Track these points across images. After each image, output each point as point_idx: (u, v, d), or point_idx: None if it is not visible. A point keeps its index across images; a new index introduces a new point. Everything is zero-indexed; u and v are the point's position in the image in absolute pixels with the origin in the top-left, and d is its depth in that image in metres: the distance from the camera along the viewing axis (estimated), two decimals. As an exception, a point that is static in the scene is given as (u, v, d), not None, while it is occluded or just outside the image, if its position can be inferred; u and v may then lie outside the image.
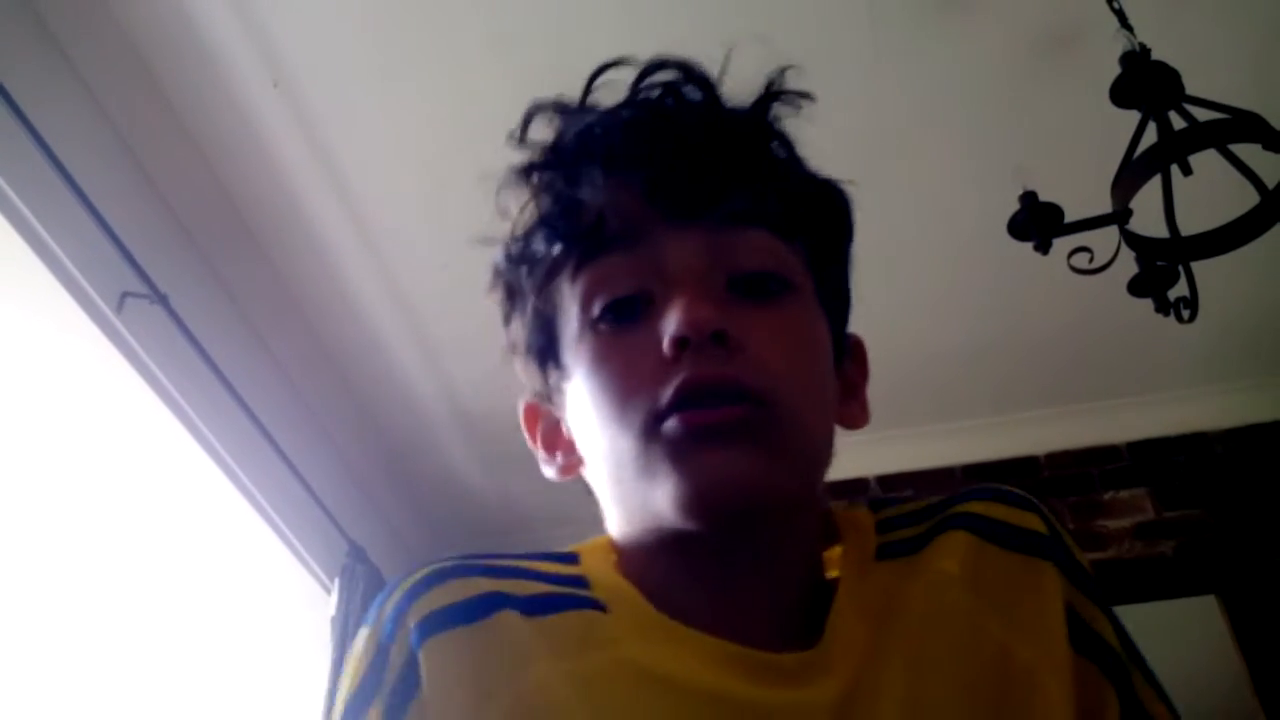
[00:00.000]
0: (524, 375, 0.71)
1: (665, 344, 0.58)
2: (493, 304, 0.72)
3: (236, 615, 3.05)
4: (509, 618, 0.58)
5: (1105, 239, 1.83)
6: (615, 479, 0.62)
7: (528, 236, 0.67)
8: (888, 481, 3.30)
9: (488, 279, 0.72)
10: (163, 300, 2.19)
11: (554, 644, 0.58)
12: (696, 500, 0.57)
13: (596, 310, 0.63)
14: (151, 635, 3.03)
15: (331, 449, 3.07)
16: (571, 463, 0.69)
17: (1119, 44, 1.82)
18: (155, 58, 2.19)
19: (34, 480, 2.54)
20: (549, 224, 0.65)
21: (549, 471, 0.71)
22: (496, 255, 0.70)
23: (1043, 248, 1.84)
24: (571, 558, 0.66)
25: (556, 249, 0.65)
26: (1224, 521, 3.06)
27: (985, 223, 1.99)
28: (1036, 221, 1.83)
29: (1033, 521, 0.64)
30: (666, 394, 0.58)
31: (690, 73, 0.67)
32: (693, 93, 0.66)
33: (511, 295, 0.70)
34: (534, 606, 0.59)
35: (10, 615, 2.86)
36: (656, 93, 0.66)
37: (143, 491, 2.62)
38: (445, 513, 3.49)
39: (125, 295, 2.15)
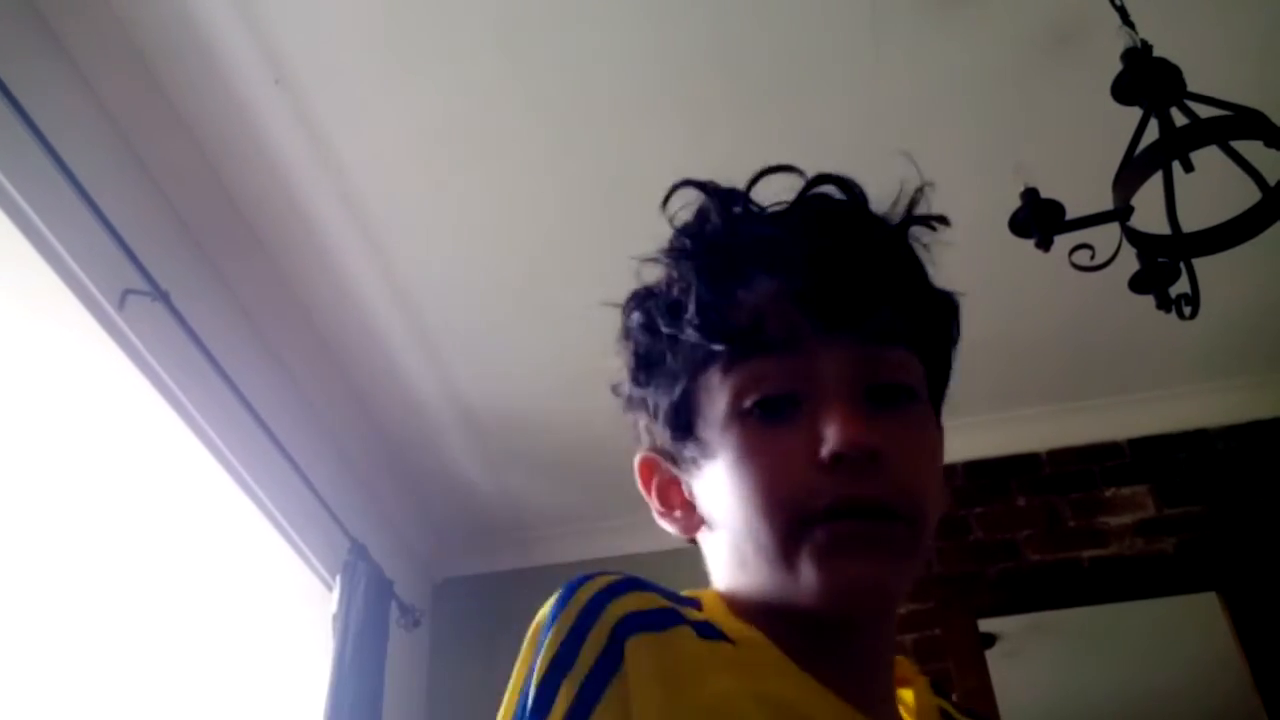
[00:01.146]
0: (648, 433, 0.76)
1: (824, 453, 0.64)
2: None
3: (239, 612, 3.06)
4: (686, 633, 0.64)
5: (1107, 236, 1.83)
6: (753, 559, 0.68)
7: (680, 318, 0.71)
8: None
9: (619, 331, 0.76)
10: (164, 298, 2.19)
11: (725, 663, 0.64)
12: (836, 597, 0.64)
13: (749, 404, 0.67)
14: (154, 632, 3.03)
15: (333, 446, 3.08)
16: (693, 523, 0.74)
17: (1120, 41, 1.81)
18: (157, 55, 2.19)
19: (36, 477, 2.54)
20: (706, 316, 0.69)
21: (668, 525, 0.77)
22: (634, 318, 0.75)
23: (1044, 244, 1.84)
24: (696, 604, 0.70)
25: (718, 344, 0.69)
26: (1225, 518, 3.06)
27: (987, 219, 1.99)
28: (1038, 218, 1.83)
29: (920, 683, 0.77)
30: (820, 503, 0.64)
31: (849, 187, 0.72)
32: (852, 207, 0.72)
33: (650, 363, 0.74)
34: (699, 630, 0.65)
35: (12, 611, 2.86)
36: (817, 205, 0.71)
37: (145, 489, 2.63)
38: (447, 510, 3.49)
39: (127, 293, 2.15)
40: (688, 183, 0.73)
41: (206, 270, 2.55)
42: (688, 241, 0.72)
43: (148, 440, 2.47)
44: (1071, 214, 1.84)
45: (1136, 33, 1.81)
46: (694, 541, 0.76)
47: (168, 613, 3.00)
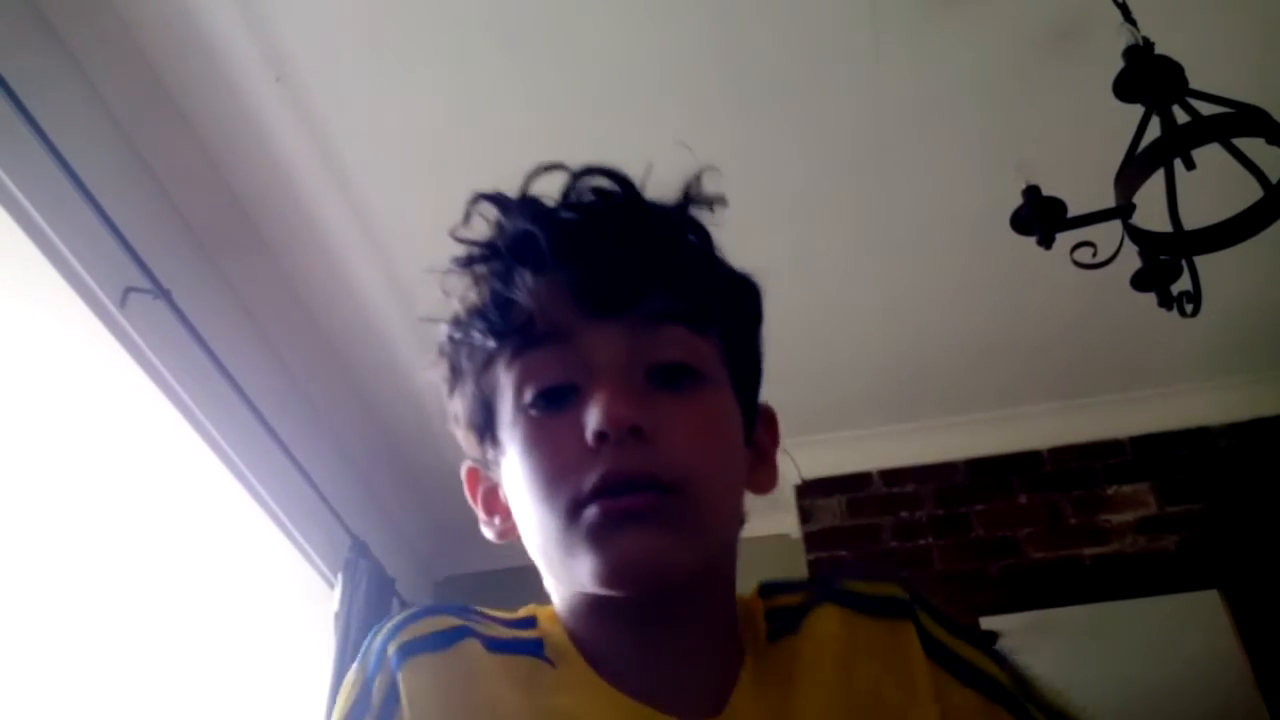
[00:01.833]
0: (464, 445, 0.78)
1: (588, 436, 0.65)
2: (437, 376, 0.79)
3: (240, 610, 3.06)
4: (473, 646, 0.68)
5: (1108, 233, 1.83)
6: (544, 551, 0.69)
7: (468, 324, 0.74)
8: (891, 475, 3.30)
9: (433, 354, 0.78)
10: (166, 295, 2.19)
11: (507, 675, 0.67)
12: (612, 575, 0.64)
13: (528, 397, 0.69)
14: (156, 630, 3.04)
15: (334, 444, 3.08)
16: (509, 527, 0.76)
17: (1122, 38, 1.81)
18: (158, 53, 2.19)
19: (38, 475, 2.54)
20: (485, 318, 0.72)
21: (488, 533, 0.79)
22: (441, 335, 0.77)
23: (1046, 242, 1.84)
24: (529, 622, 0.74)
25: (492, 341, 0.72)
26: (1226, 516, 3.06)
27: (988, 217, 1.99)
28: (1039, 216, 1.83)
29: (891, 590, 0.74)
30: (588, 483, 0.65)
31: (617, 178, 0.73)
32: (619, 197, 0.73)
33: (454, 372, 0.77)
34: (495, 645, 0.69)
35: (14, 609, 2.86)
36: (588, 198, 0.73)
37: (146, 487, 2.63)
38: (448, 508, 3.49)
39: (129, 290, 2.15)
40: (482, 196, 0.75)
41: (208, 268, 2.55)
42: (468, 251, 0.75)
43: (149, 438, 2.48)
44: (1073, 211, 1.84)
45: (1138, 30, 1.81)
46: None
47: (170, 611, 3.01)
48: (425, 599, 3.47)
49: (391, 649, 0.68)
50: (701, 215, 0.75)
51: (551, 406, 0.69)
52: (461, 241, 0.75)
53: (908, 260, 2.75)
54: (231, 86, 2.25)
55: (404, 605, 3.14)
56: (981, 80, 2.34)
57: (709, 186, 0.76)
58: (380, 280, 2.73)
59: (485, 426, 0.74)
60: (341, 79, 2.28)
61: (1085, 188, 1.85)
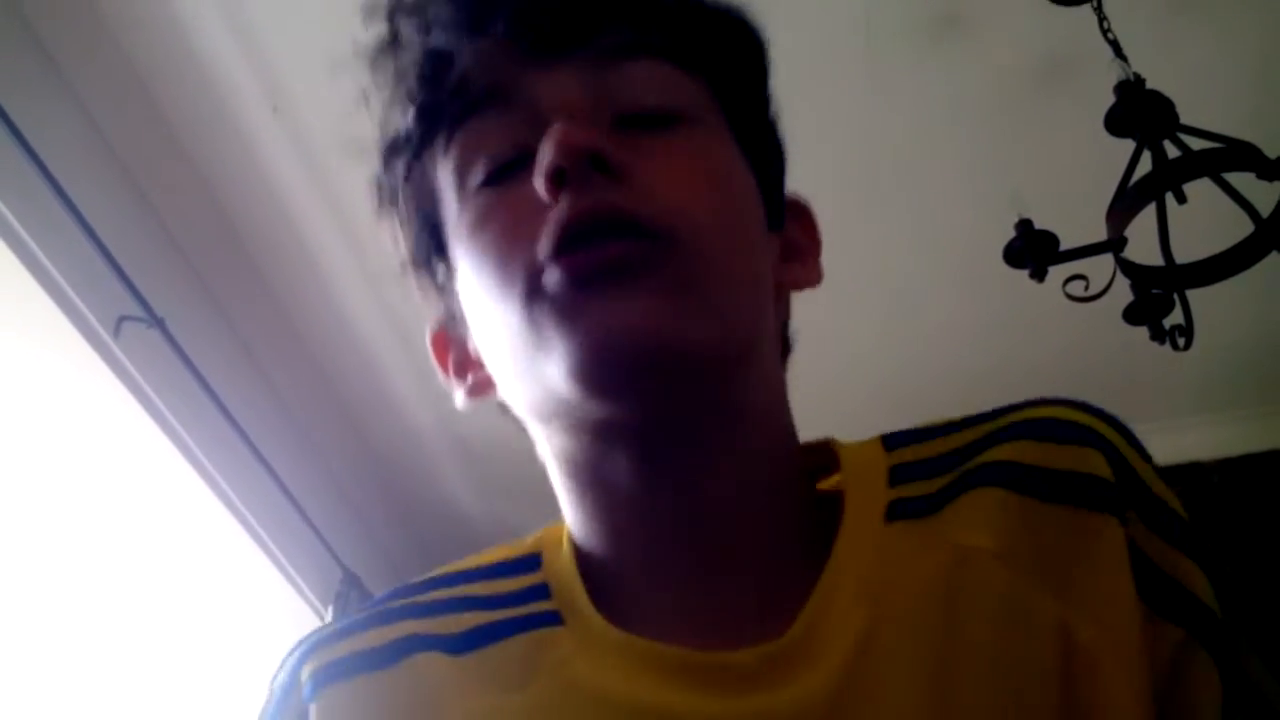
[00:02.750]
0: (421, 295, 0.63)
1: (539, 182, 0.49)
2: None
3: (229, 641, 3.03)
4: (429, 660, 0.51)
5: (1100, 267, 1.83)
6: (511, 363, 0.53)
7: (389, 118, 0.59)
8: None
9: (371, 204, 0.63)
10: (160, 324, 2.19)
11: (492, 677, 0.51)
12: (593, 359, 0.47)
13: (473, 179, 0.54)
14: (144, 659, 3.01)
15: (327, 475, 3.06)
16: (481, 379, 0.59)
17: (1114, 73, 1.83)
18: (155, 82, 2.19)
19: (28, 504, 2.53)
20: (407, 94, 0.56)
21: (459, 400, 0.61)
22: (375, 170, 0.62)
23: (1038, 275, 1.85)
24: (533, 562, 0.57)
25: (420, 123, 0.56)
26: (1218, 552, 3.05)
27: (980, 250, 1.99)
28: (1032, 249, 1.83)
29: (1090, 461, 0.52)
30: (545, 242, 0.49)
31: None
32: None
33: (390, 203, 0.61)
34: (468, 642, 0.52)
35: (4, 636, 2.84)
36: None
37: (137, 516, 2.61)
38: (441, 539, 3.47)
39: (122, 319, 2.15)
40: None
41: (203, 297, 2.55)
42: (375, 38, 0.61)
43: (141, 467, 2.46)
44: (1066, 245, 1.85)
45: (1129, 65, 1.83)
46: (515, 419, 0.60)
47: (158, 640, 2.98)
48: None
49: (305, 672, 0.53)
50: None
51: (500, 180, 0.53)
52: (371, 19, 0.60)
53: (899, 292, 2.75)
54: (228, 117, 2.26)
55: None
56: (974, 114, 2.35)
57: None
58: (374, 309, 2.72)
59: (431, 248, 0.58)
60: (338, 111, 2.28)
61: (1077, 221, 1.86)
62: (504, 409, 0.59)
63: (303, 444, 2.95)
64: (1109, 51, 1.88)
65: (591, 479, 0.53)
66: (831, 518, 0.53)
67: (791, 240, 0.62)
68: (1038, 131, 2.37)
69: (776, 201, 0.61)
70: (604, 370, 0.47)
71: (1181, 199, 1.70)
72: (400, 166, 0.58)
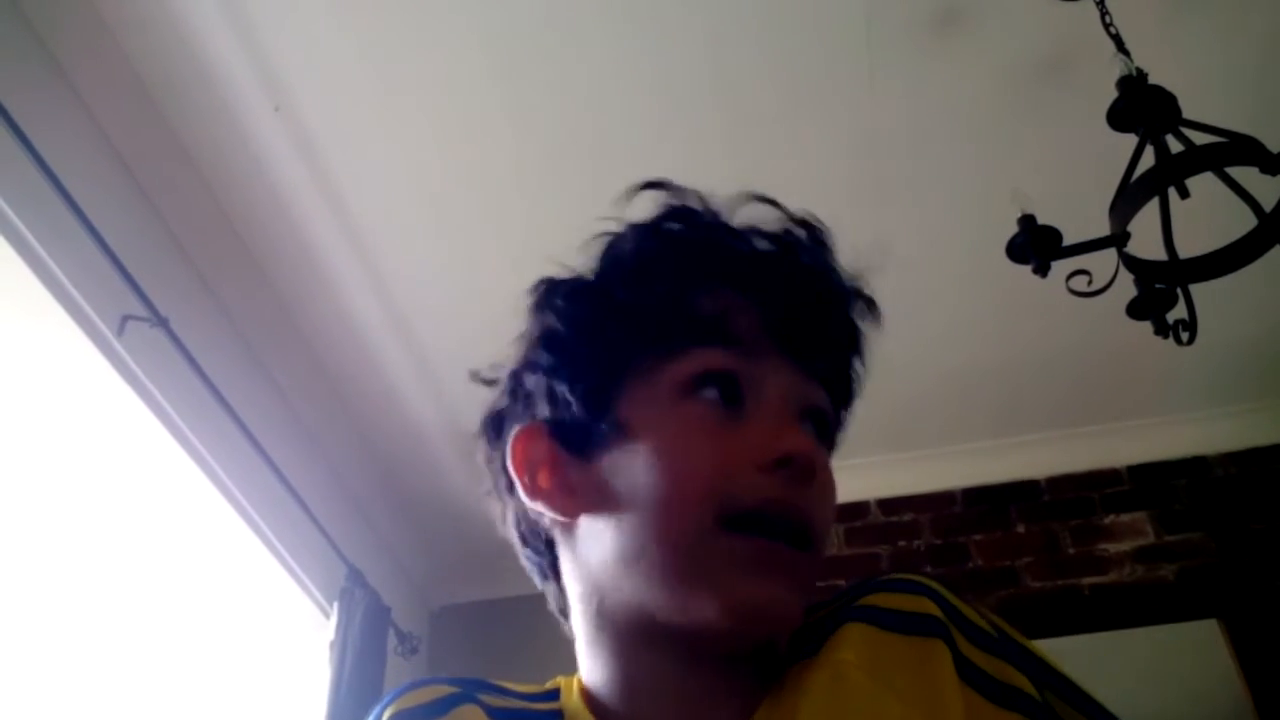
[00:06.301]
0: (546, 399, 0.71)
1: (775, 453, 0.63)
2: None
3: (235, 638, 3.04)
4: (472, 712, 0.65)
5: (1104, 262, 1.83)
6: (647, 554, 0.64)
7: (630, 279, 0.70)
8: (888, 504, 3.29)
9: (538, 282, 0.73)
10: (164, 324, 2.19)
11: None
12: (739, 613, 0.60)
13: (700, 385, 0.65)
14: (150, 658, 3.02)
15: (331, 472, 3.07)
16: (566, 505, 0.69)
17: (1116, 68, 1.83)
18: (157, 81, 2.20)
19: (35, 503, 2.53)
20: (673, 289, 0.68)
21: (535, 503, 0.70)
22: (560, 294, 0.72)
23: (1041, 271, 1.85)
24: (552, 695, 0.70)
25: (674, 316, 0.67)
26: (1225, 545, 3.05)
27: (984, 246, 1.99)
28: (1035, 244, 1.83)
29: (924, 605, 0.66)
30: (751, 499, 0.62)
31: (810, 227, 0.71)
32: (821, 249, 0.72)
33: (573, 320, 0.71)
34: (500, 715, 0.66)
35: (12, 636, 2.85)
36: (775, 229, 0.71)
37: (143, 514, 2.62)
38: (444, 537, 3.48)
39: (126, 318, 2.15)
40: (653, 184, 0.73)
41: (206, 296, 2.56)
42: (666, 226, 0.71)
43: (146, 466, 2.47)
44: (1069, 240, 1.85)
45: (1132, 60, 1.83)
46: (547, 565, 0.73)
47: (165, 638, 2.99)
48: (421, 628, 3.45)
49: (387, 716, 0.66)
50: (868, 291, 0.75)
51: (725, 404, 0.65)
52: (667, 212, 0.72)
53: (904, 289, 2.75)
54: (230, 116, 2.26)
55: (400, 635, 3.13)
56: (976, 110, 2.35)
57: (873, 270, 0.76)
58: (377, 307, 2.73)
59: (606, 397, 0.68)
60: (340, 108, 2.29)
61: (1080, 216, 1.85)
62: (549, 546, 0.72)
63: (306, 441, 2.96)
64: (1111, 46, 1.88)
65: (642, 644, 0.65)
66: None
67: None
68: (1040, 127, 2.37)
69: None
70: (741, 622, 0.61)
71: (1184, 193, 1.69)
72: (623, 324, 0.69)
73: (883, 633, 0.65)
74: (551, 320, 0.72)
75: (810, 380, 0.69)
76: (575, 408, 0.69)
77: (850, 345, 0.73)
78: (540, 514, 0.71)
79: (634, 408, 0.67)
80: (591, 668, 0.68)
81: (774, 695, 0.65)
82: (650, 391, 0.67)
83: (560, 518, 0.70)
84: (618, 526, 0.65)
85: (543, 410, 0.71)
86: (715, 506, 0.62)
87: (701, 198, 0.72)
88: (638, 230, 0.71)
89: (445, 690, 0.67)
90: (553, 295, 0.72)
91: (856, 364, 0.74)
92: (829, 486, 0.67)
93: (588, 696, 0.68)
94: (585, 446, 0.68)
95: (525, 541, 0.75)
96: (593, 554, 0.67)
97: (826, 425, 0.70)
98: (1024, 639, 0.69)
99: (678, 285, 0.68)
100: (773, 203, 0.72)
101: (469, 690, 0.67)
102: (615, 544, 0.65)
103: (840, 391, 0.72)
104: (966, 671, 0.64)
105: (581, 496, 0.68)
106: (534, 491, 0.70)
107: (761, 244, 0.70)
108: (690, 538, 0.62)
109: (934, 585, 0.69)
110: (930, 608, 0.66)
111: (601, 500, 0.67)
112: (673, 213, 0.71)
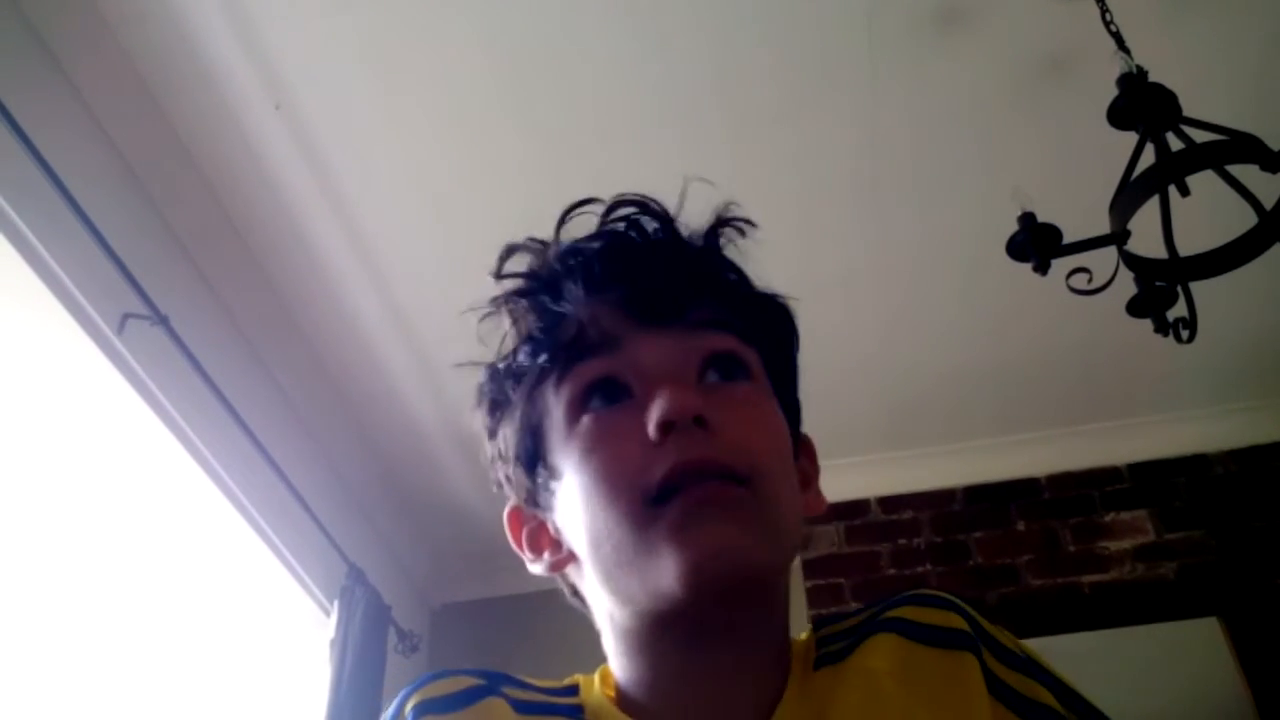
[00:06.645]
0: (510, 482, 0.77)
1: (651, 428, 0.64)
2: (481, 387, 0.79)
3: (236, 636, 3.04)
4: (498, 705, 0.67)
5: (1104, 260, 1.83)
6: (613, 563, 0.66)
7: (514, 353, 0.75)
8: (889, 502, 3.29)
9: (473, 399, 0.79)
10: (164, 322, 2.19)
11: None
12: (696, 570, 0.61)
13: (583, 398, 0.69)
14: (150, 656, 3.02)
15: (331, 471, 3.07)
16: (560, 559, 0.74)
17: (1116, 66, 1.83)
18: (158, 80, 2.20)
19: (35, 501, 2.54)
20: (534, 339, 0.73)
21: (537, 569, 0.76)
22: (481, 377, 0.78)
23: (1041, 269, 1.84)
24: (571, 690, 0.73)
25: (543, 359, 0.72)
26: (1226, 543, 3.06)
27: (984, 244, 1.99)
28: (1035, 242, 1.83)
29: (953, 620, 0.70)
30: (658, 475, 0.63)
31: (648, 208, 0.75)
32: (651, 223, 0.74)
33: (497, 408, 0.77)
34: (524, 708, 0.68)
35: (12, 634, 2.85)
36: (622, 225, 0.74)
37: (143, 512, 2.62)
38: (444, 535, 3.48)
39: (126, 317, 2.15)
40: (514, 248, 0.77)
41: (206, 295, 2.56)
42: (514, 285, 0.76)
43: (146, 464, 2.47)
44: (1069, 238, 1.85)
45: (1132, 58, 1.83)
46: (577, 595, 0.77)
47: (165, 636, 2.99)
48: (421, 627, 3.45)
49: (409, 706, 0.67)
50: (733, 240, 0.77)
51: (610, 403, 0.68)
52: (501, 278, 0.76)
53: (904, 287, 2.76)
54: (231, 114, 2.26)
55: (400, 633, 3.13)
56: (977, 108, 2.35)
57: (736, 211, 0.78)
58: (378, 306, 2.73)
59: (534, 452, 0.73)
60: (341, 107, 2.29)
61: (1080, 214, 1.85)
62: (574, 589, 0.76)
63: (306, 439, 2.96)
64: (1111, 44, 1.88)
65: (650, 637, 0.68)
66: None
67: (803, 469, 0.77)
68: (1041, 125, 2.37)
69: (796, 440, 0.77)
70: (706, 577, 0.61)
71: (1185, 191, 1.69)
72: (523, 386, 0.74)
73: (913, 644, 0.68)
74: (480, 406, 0.79)
75: (692, 334, 0.70)
76: (522, 477, 0.75)
77: (721, 287, 0.74)
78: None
79: (553, 449, 0.71)
80: (622, 670, 0.71)
81: (800, 693, 0.67)
82: (556, 427, 0.71)
83: (558, 572, 0.75)
84: (586, 554, 0.69)
85: (508, 492, 0.77)
86: (634, 497, 0.64)
87: (531, 241, 0.77)
88: (500, 299, 0.76)
89: (469, 682, 0.68)
90: (481, 385, 0.79)
91: (736, 293, 0.75)
92: (743, 418, 0.67)
93: (619, 693, 0.71)
94: (542, 503, 0.74)
95: (563, 590, 0.80)
96: (589, 583, 0.71)
97: (737, 362, 0.71)
98: (1051, 665, 0.71)
99: (542, 324, 0.73)
100: (595, 200, 0.76)
101: (493, 683, 0.69)
102: (592, 569, 0.69)
103: (741, 325, 0.73)
104: (995, 686, 0.66)
105: (562, 545, 0.73)
106: (531, 560, 0.76)
107: (595, 243, 0.74)
108: (629, 532, 0.64)
109: (963, 604, 0.72)
110: (960, 623, 0.69)
111: (570, 539, 0.71)
112: (509, 266, 0.77)
